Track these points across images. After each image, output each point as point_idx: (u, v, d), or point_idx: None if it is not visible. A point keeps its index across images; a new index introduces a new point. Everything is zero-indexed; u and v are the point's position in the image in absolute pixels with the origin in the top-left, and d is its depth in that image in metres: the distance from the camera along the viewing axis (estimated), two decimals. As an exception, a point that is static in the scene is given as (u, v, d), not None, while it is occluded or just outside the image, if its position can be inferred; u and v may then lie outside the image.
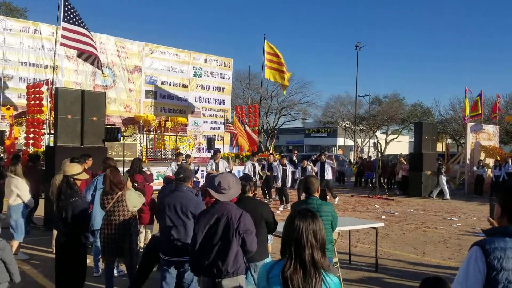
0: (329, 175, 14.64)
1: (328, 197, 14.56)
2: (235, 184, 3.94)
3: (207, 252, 3.74)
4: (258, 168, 14.36)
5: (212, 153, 14.22)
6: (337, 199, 15.33)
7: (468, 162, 19.78)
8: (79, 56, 14.46)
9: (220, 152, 13.64)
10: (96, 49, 14.12)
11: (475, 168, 19.28)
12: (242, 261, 3.79)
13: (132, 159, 9.05)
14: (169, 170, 12.34)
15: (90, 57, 14.19)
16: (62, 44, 13.38)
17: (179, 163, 11.86)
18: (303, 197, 5.01)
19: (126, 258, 5.23)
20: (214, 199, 3.94)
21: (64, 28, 13.13)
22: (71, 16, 13.10)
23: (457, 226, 11.41)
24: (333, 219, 4.67)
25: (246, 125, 21.86)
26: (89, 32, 13.83)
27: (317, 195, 4.80)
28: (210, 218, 3.78)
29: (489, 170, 19.40)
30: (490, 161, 19.88)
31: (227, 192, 3.85)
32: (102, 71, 16.40)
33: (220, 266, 3.67)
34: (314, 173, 14.02)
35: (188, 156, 12.95)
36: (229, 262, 3.67)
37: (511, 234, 2.15)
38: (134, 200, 5.31)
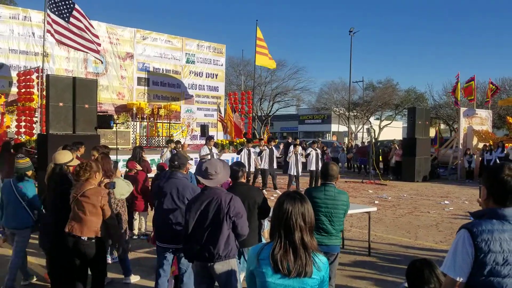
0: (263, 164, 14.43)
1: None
2: (222, 169, 3.94)
3: (199, 237, 3.76)
4: (253, 155, 14.35)
5: (206, 139, 14.28)
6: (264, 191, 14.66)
7: (461, 147, 19.89)
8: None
9: (213, 139, 13.72)
10: (80, 40, 13.72)
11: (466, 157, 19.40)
12: (234, 245, 3.82)
13: (124, 147, 9.06)
14: (163, 156, 12.29)
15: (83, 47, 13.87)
16: (48, 32, 13.21)
17: (170, 150, 11.88)
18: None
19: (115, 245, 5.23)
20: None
21: (49, 16, 12.96)
22: (54, 4, 12.89)
23: (450, 210, 11.53)
24: (347, 208, 4.69)
25: (235, 113, 21.88)
26: (84, 19, 13.38)
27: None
28: (201, 204, 3.80)
29: (477, 154, 19.52)
30: (482, 146, 20.02)
31: (215, 178, 3.86)
32: (101, 61, 15.96)
33: (212, 250, 3.70)
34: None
35: (178, 142, 12.95)
36: (220, 246, 3.70)
37: (498, 216, 2.17)
38: (121, 188, 5.30)
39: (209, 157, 11.98)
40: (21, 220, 5.31)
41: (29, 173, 5.47)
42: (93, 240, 4.38)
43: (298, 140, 16.15)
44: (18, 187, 5.30)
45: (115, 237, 4.59)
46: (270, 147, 14.38)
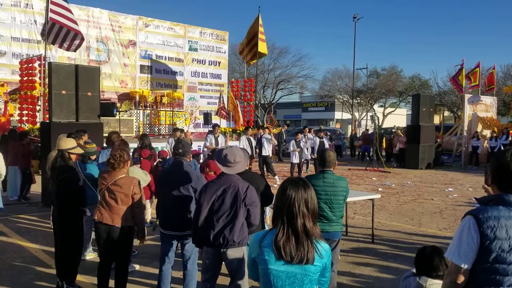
0: (266, 151, 14.53)
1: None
2: (243, 158, 3.94)
3: (214, 222, 3.76)
4: (254, 142, 14.38)
5: (211, 128, 14.19)
6: (276, 177, 14.16)
7: (465, 134, 19.79)
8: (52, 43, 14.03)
9: (218, 126, 13.61)
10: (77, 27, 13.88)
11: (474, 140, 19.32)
12: (247, 233, 3.85)
13: (128, 135, 9.02)
14: (167, 145, 12.35)
15: (69, 37, 13.87)
16: (51, 19, 13.11)
17: (176, 138, 11.85)
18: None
19: None
20: (215, 173, 3.96)
21: (52, 2, 12.86)
22: None
23: (454, 197, 11.50)
24: (346, 194, 4.67)
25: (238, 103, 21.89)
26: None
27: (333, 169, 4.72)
28: (217, 189, 3.79)
29: (485, 142, 19.46)
30: (487, 133, 19.91)
31: (233, 166, 3.86)
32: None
33: (227, 236, 3.73)
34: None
35: (181, 130, 12.86)
36: (235, 232, 3.73)
37: (505, 202, 2.14)
38: (138, 177, 5.27)
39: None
40: (88, 197, 5.40)
41: (93, 157, 5.91)
42: (126, 228, 4.45)
43: (307, 128, 16.15)
44: (84, 169, 5.72)
45: (139, 226, 4.61)
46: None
